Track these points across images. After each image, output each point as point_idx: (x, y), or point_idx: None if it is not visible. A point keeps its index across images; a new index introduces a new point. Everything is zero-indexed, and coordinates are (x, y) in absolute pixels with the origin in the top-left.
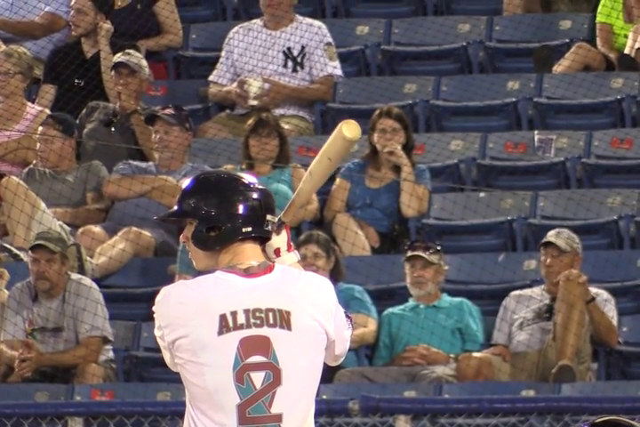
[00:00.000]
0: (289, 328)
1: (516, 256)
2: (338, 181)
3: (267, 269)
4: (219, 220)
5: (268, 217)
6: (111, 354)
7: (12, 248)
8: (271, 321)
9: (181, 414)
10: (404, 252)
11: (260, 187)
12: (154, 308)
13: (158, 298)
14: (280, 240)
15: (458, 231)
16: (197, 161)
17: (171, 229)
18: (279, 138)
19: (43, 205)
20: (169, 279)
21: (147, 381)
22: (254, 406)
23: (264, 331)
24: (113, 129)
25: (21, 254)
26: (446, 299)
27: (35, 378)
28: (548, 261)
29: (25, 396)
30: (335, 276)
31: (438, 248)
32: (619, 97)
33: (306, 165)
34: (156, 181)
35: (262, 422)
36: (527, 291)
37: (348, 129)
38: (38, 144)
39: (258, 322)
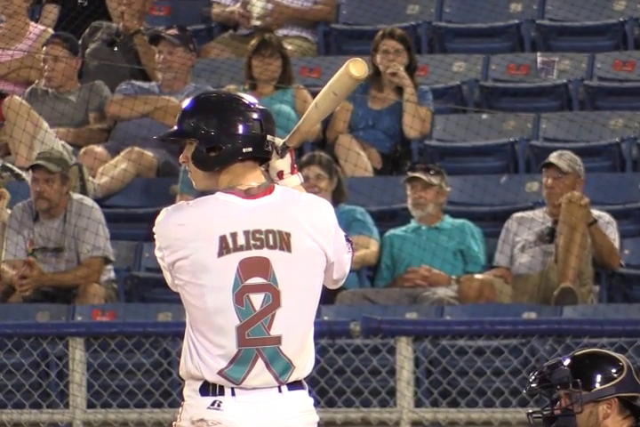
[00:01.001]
0: (288, 250)
1: (519, 178)
2: None
3: (267, 190)
4: (219, 140)
5: (268, 137)
6: (112, 274)
7: (15, 168)
8: (271, 242)
9: (182, 335)
10: (405, 173)
11: (261, 107)
12: (154, 228)
13: (158, 219)
14: (284, 163)
15: (460, 153)
16: (200, 81)
17: (173, 150)
18: (282, 58)
19: (45, 124)
20: (171, 199)
21: (148, 301)
22: (253, 327)
23: (264, 252)
24: (116, 49)
25: (23, 174)
26: (448, 220)
27: (36, 298)
28: (550, 182)
29: (26, 316)
30: (337, 197)
31: (439, 170)
32: (621, 19)
33: (308, 86)
34: (159, 101)
35: (261, 343)
36: (529, 213)
37: (355, 67)
38: (44, 64)
39: (257, 243)
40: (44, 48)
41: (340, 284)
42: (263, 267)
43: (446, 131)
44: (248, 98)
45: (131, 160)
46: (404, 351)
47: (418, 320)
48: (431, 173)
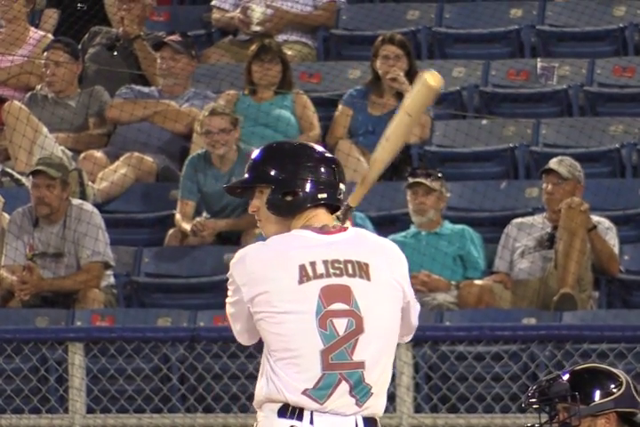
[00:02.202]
0: (368, 279)
1: (518, 184)
2: (340, 107)
3: (341, 229)
4: (295, 185)
5: (341, 186)
6: (112, 279)
7: (14, 173)
8: (350, 271)
9: (181, 340)
10: (405, 179)
11: (332, 156)
12: (229, 273)
13: (233, 261)
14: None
15: (460, 159)
16: (200, 86)
17: (173, 155)
18: (281, 64)
19: (45, 129)
20: (170, 205)
21: (147, 306)
22: (337, 352)
23: (344, 280)
24: (115, 53)
25: (23, 179)
26: (448, 226)
27: (35, 303)
28: (549, 188)
29: (25, 321)
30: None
31: (440, 175)
32: (621, 25)
33: (308, 91)
34: (159, 105)
35: (345, 368)
36: (529, 219)
37: (433, 78)
38: (46, 69)
39: (337, 272)
40: (45, 53)
41: (411, 336)
42: (345, 293)
43: (446, 136)
44: (319, 146)
45: (130, 165)
46: (404, 357)
47: (417, 326)
48: (432, 178)
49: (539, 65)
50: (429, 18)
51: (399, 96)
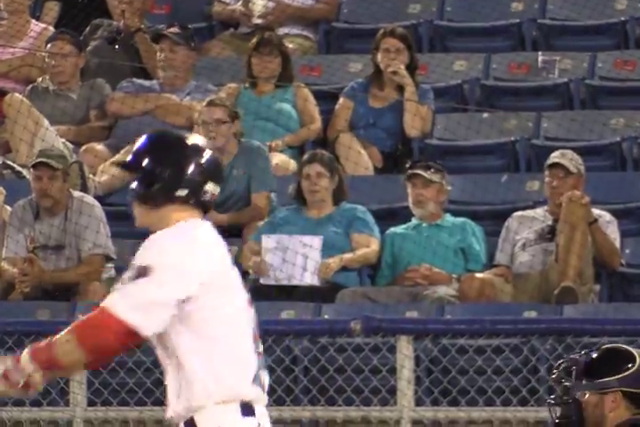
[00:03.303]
0: None
1: (519, 177)
2: (341, 100)
3: None
4: (156, 177)
5: (207, 186)
6: (113, 272)
7: (15, 165)
8: None
9: None
10: (406, 172)
11: (211, 155)
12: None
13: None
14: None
15: (461, 152)
16: (201, 79)
17: None
18: (282, 57)
19: (46, 122)
20: None
21: None
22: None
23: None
24: (117, 47)
25: (24, 172)
26: (449, 218)
27: (36, 296)
28: (555, 182)
29: (26, 313)
30: (338, 196)
31: (440, 168)
32: (623, 18)
33: (309, 84)
34: (160, 99)
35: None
36: (530, 212)
37: None
38: (50, 60)
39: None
40: (49, 45)
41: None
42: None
43: (447, 130)
44: (204, 143)
45: None
46: (405, 350)
47: (418, 319)
48: (431, 170)
49: (540, 58)
50: (431, 11)
51: (400, 89)
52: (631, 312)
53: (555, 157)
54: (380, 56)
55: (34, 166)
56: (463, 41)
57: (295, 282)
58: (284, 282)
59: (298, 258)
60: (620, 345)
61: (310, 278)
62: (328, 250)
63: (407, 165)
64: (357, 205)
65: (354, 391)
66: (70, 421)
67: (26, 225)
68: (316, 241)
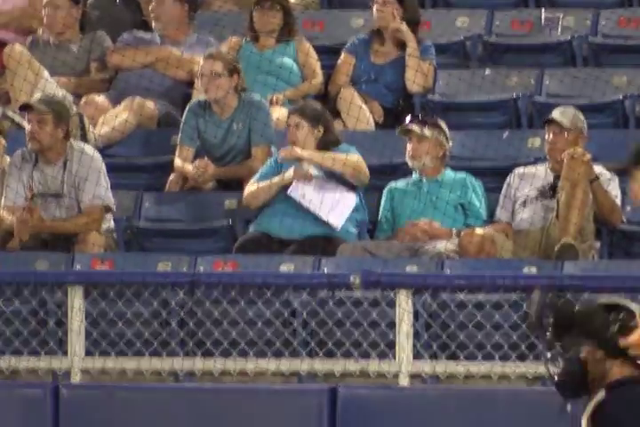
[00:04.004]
0: None
1: (521, 134)
2: (343, 55)
3: None
4: None
5: None
6: (112, 223)
7: (15, 116)
8: None
9: (181, 285)
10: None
11: None
12: None
13: None
14: None
15: (462, 108)
16: (203, 33)
17: (175, 101)
18: (283, 11)
19: (46, 73)
20: (171, 150)
21: (147, 251)
22: None
23: None
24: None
25: (24, 122)
26: (450, 173)
27: (35, 246)
28: (551, 137)
29: (25, 264)
30: (325, 144)
31: (436, 122)
32: None
33: (311, 39)
34: (161, 52)
35: None
36: (531, 168)
37: None
38: (45, 11)
39: None
40: None
41: None
42: None
43: (449, 86)
44: None
45: (132, 110)
46: (404, 304)
47: (418, 274)
48: (427, 126)
49: (543, 15)
50: None
51: (402, 45)
52: (631, 269)
53: (553, 113)
54: (374, 10)
55: (20, 109)
56: None
57: (315, 210)
58: (305, 204)
59: (332, 197)
60: (616, 299)
61: (330, 217)
62: None
63: (407, 121)
64: (351, 146)
65: (352, 345)
66: (68, 370)
67: (24, 174)
68: (351, 196)
